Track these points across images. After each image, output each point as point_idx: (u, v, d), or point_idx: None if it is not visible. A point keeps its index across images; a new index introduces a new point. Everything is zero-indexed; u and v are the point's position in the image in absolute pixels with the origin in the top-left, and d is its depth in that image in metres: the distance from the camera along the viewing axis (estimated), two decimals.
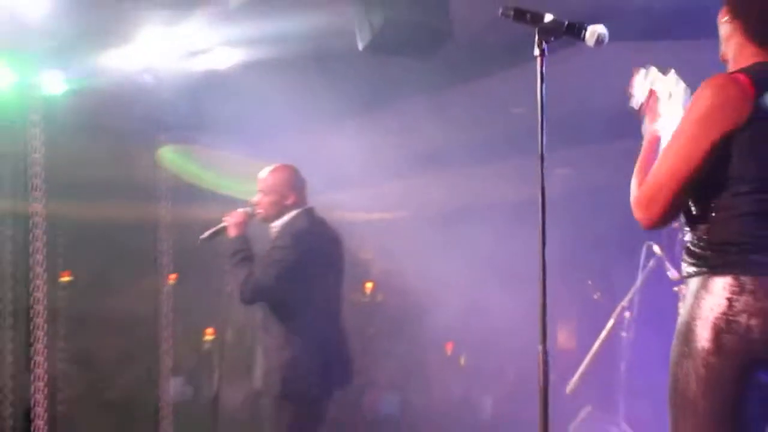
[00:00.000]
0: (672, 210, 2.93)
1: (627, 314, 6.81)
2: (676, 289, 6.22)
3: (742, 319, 2.81)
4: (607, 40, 3.11)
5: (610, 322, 6.85)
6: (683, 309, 2.97)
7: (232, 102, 7.64)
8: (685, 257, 3.01)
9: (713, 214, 2.91)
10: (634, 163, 3.17)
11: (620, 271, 7.90)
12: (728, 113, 2.86)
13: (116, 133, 8.17)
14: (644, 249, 6.66)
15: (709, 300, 2.86)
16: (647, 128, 3.19)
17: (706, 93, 2.90)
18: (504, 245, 8.97)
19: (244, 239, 5.42)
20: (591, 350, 6.78)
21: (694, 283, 2.95)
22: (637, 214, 2.97)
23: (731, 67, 3.06)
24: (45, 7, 6.31)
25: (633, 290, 6.80)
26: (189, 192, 9.04)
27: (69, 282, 9.59)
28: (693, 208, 2.96)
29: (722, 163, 2.86)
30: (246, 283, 5.25)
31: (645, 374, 6.91)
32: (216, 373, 5.64)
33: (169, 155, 8.86)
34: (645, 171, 3.03)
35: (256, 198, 5.54)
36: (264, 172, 5.55)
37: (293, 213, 5.45)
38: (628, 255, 7.16)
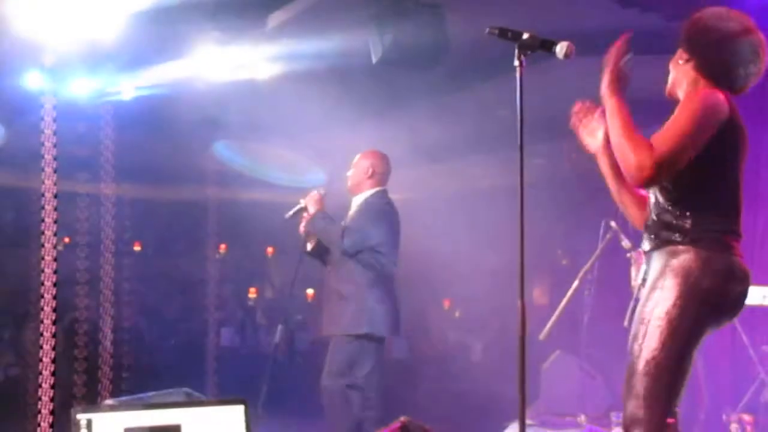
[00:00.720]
0: (671, 174, 2.87)
1: (589, 276, 6.84)
2: (628, 255, 6.26)
3: (702, 284, 2.86)
4: (574, 54, 3.12)
5: (576, 283, 6.87)
6: (651, 274, 2.99)
7: (270, 106, 7.67)
8: (660, 231, 2.99)
9: (696, 197, 2.92)
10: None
11: (583, 241, 7.92)
12: (720, 111, 2.89)
13: (175, 130, 8.20)
14: (603, 224, 6.68)
15: (676, 267, 2.89)
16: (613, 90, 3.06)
17: (705, 92, 2.93)
18: (492, 222, 9.00)
19: (324, 212, 5.44)
20: (560, 305, 6.81)
21: (662, 253, 2.96)
22: (642, 172, 2.82)
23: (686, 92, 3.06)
24: (118, 28, 6.33)
25: (594, 257, 6.83)
26: (235, 178, 9.09)
27: (138, 251, 9.69)
28: (681, 189, 2.94)
29: (709, 152, 2.88)
30: (348, 234, 5.25)
31: (603, 325, 6.96)
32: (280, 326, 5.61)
33: (219, 149, 8.91)
34: (636, 134, 2.92)
35: (348, 173, 5.59)
36: (357, 155, 5.62)
37: (369, 191, 5.48)
38: (589, 229, 7.18)
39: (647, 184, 2.91)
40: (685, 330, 2.87)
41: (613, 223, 6.53)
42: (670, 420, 2.92)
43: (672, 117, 2.92)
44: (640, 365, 2.89)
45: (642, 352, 2.89)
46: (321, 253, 5.50)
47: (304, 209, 5.47)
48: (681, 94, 3.09)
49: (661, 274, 2.91)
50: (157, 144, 8.38)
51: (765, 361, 6.52)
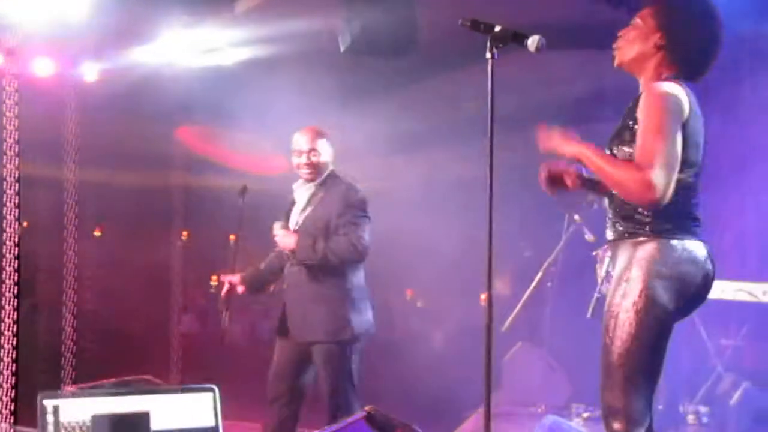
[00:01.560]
0: (673, 181, 2.86)
1: (552, 269, 6.90)
2: (594, 254, 6.31)
3: (670, 272, 2.90)
4: (545, 47, 3.14)
5: (539, 275, 6.93)
6: (620, 264, 3.01)
7: (237, 92, 7.62)
8: (623, 222, 3.02)
9: None
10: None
11: (546, 233, 7.97)
12: (683, 104, 2.92)
13: (141, 115, 8.12)
14: (567, 217, 6.74)
15: (644, 257, 2.92)
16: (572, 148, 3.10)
17: (665, 90, 2.93)
18: (455, 212, 9.02)
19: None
20: (523, 297, 6.86)
21: (628, 244, 2.99)
22: (648, 194, 2.81)
23: (648, 77, 3.08)
24: (83, 9, 6.27)
25: (557, 249, 6.88)
26: (201, 164, 9.03)
27: (100, 236, 9.60)
28: None
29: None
30: (358, 244, 4.76)
31: (565, 317, 7.01)
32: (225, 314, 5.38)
33: (184, 134, 8.85)
34: (617, 160, 2.96)
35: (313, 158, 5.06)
36: (309, 134, 5.14)
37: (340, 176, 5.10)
38: (553, 221, 7.23)
39: (658, 202, 2.85)
40: (653, 319, 2.89)
41: (576, 216, 6.60)
42: None
43: (643, 125, 2.92)
44: (614, 357, 2.91)
45: (614, 343, 2.91)
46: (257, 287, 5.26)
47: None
48: (643, 75, 3.12)
49: (627, 266, 2.95)
50: (121, 128, 8.29)
51: (722, 354, 6.62)
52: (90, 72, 7.45)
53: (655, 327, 2.91)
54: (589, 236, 6.44)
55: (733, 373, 6.34)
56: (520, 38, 3.15)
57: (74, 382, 6.75)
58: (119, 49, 7.19)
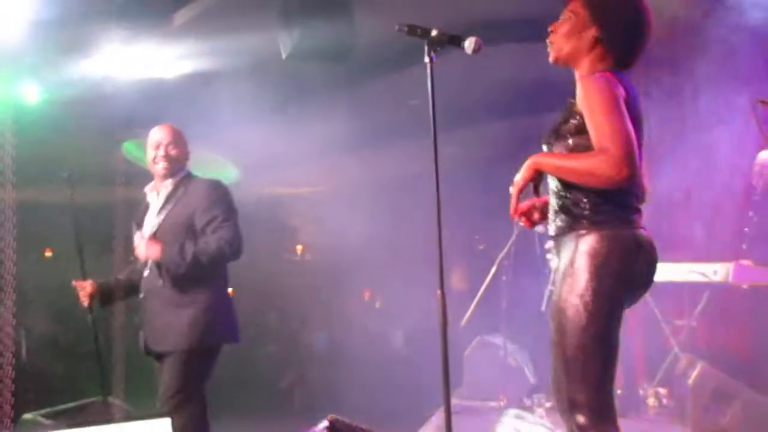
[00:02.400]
0: (638, 157, 2.83)
1: (506, 262, 6.94)
2: (547, 246, 6.37)
3: (614, 262, 2.89)
4: (482, 48, 3.14)
5: (493, 269, 6.97)
6: (564, 257, 3.01)
7: (180, 105, 7.56)
8: (564, 216, 3.01)
9: None
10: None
11: (499, 227, 8.01)
12: (619, 89, 2.90)
13: (83, 132, 8.01)
14: None
15: (587, 248, 2.91)
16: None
17: (601, 79, 2.92)
18: (408, 210, 9.05)
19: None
20: (479, 291, 6.90)
21: (572, 236, 2.98)
22: (620, 171, 2.77)
23: (585, 70, 3.07)
24: (19, 29, 6.17)
25: (510, 243, 6.92)
26: (145, 178, 8.93)
27: (50, 257, 9.45)
28: None
29: None
30: (232, 241, 4.41)
31: (522, 310, 7.07)
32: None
33: (130, 148, 8.75)
34: (575, 154, 2.95)
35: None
36: (167, 132, 4.87)
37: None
38: (505, 214, 7.26)
39: (631, 176, 2.80)
40: (602, 310, 2.89)
41: None
42: None
43: (591, 113, 2.89)
44: (568, 351, 2.91)
45: (566, 338, 2.91)
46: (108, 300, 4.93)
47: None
48: (579, 67, 3.10)
49: (571, 260, 2.94)
50: (63, 147, 8.17)
51: (678, 335, 6.72)
52: (29, 93, 7.34)
53: (605, 317, 2.90)
54: (540, 228, 6.48)
55: (690, 353, 6.43)
56: (456, 41, 3.17)
57: (28, 409, 6.62)
58: (58, 67, 7.09)
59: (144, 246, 4.44)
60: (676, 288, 6.46)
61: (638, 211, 3.02)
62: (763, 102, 3.34)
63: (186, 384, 4.35)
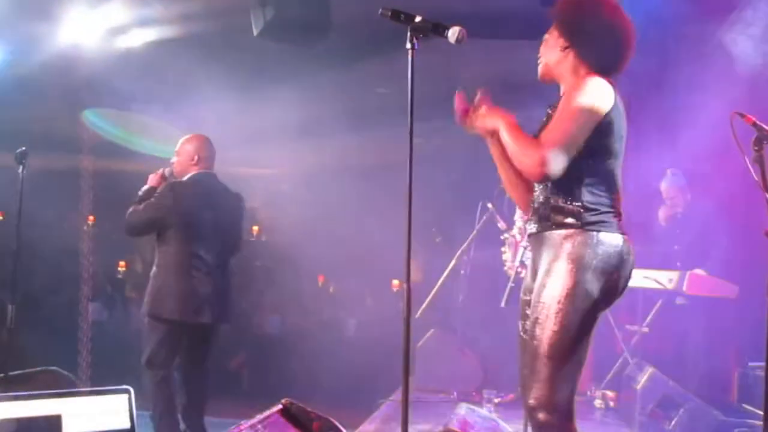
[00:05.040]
0: (565, 164, 2.90)
1: (465, 257, 6.95)
2: (502, 237, 6.39)
3: (595, 264, 2.91)
4: (465, 38, 3.13)
5: (452, 263, 6.97)
6: (545, 257, 3.02)
7: (144, 74, 7.47)
8: (548, 216, 3.04)
9: (586, 180, 2.97)
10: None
11: (458, 221, 8.03)
12: (606, 100, 2.95)
13: (45, 97, 7.88)
14: (480, 204, 6.78)
15: (569, 249, 2.93)
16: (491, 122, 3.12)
17: (595, 82, 2.96)
18: (367, 198, 9.03)
19: (152, 189, 5.25)
20: (436, 285, 6.90)
21: (554, 236, 3.00)
22: (538, 168, 2.89)
23: (569, 82, 3.10)
24: None
25: (470, 238, 6.93)
26: (109, 148, 8.82)
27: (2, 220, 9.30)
28: (569, 173, 2.95)
29: (597, 138, 2.94)
30: (128, 215, 5.18)
31: (478, 305, 7.08)
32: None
33: (90, 117, 8.62)
34: (524, 133, 3.00)
35: (173, 159, 5.37)
36: (180, 140, 5.37)
37: (192, 174, 5.26)
38: (465, 209, 7.28)
39: (546, 177, 2.93)
40: (582, 312, 2.91)
41: (489, 205, 6.65)
42: None
43: (560, 109, 2.97)
44: (543, 349, 2.91)
45: (543, 336, 2.91)
46: None
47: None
48: (562, 80, 3.13)
49: (556, 257, 2.96)
50: (25, 111, 8.03)
51: (628, 340, 6.78)
52: None
53: (584, 319, 2.92)
54: (501, 224, 6.50)
55: (639, 358, 6.49)
56: (440, 29, 3.14)
57: None
58: (23, 31, 6.95)
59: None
60: (629, 293, 6.48)
61: (621, 216, 3.05)
62: (740, 115, 3.35)
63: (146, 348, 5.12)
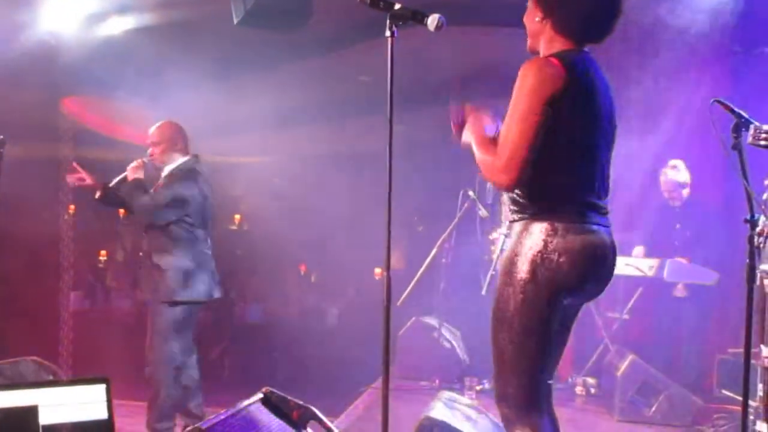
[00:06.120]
0: (527, 169, 2.82)
1: (446, 245, 6.94)
2: (482, 226, 6.40)
3: (554, 256, 2.84)
4: (445, 25, 3.11)
5: (434, 251, 6.96)
6: (508, 246, 2.98)
7: (124, 62, 7.40)
8: (511, 206, 2.99)
9: (536, 171, 2.85)
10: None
11: (439, 209, 8.02)
12: (548, 87, 2.82)
13: (24, 85, 7.79)
14: (461, 192, 6.78)
15: (529, 240, 2.87)
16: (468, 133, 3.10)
17: (529, 72, 2.85)
18: (349, 186, 9.02)
19: (141, 180, 5.28)
20: (418, 273, 6.89)
21: (517, 226, 2.95)
22: (499, 177, 2.85)
23: (544, 52, 3.01)
24: None
25: (451, 226, 6.93)
26: (87, 136, 8.76)
27: None
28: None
29: (549, 129, 2.83)
30: (144, 206, 5.16)
31: (459, 293, 7.09)
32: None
33: (71, 105, 8.56)
34: (489, 144, 2.94)
35: (149, 149, 5.39)
36: (153, 128, 5.40)
37: (182, 158, 5.34)
38: (447, 196, 7.28)
39: (509, 186, 2.89)
40: (544, 303, 2.85)
41: (471, 192, 6.65)
42: None
43: (508, 112, 2.87)
44: (499, 342, 2.89)
45: (505, 327, 2.88)
46: (111, 202, 5.45)
47: (126, 178, 5.34)
48: (541, 49, 3.04)
49: (517, 249, 2.91)
50: (4, 99, 7.95)
51: (609, 327, 6.81)
52: None
53: (546, 312, 2.86)
54: (483, 212, 6.51)
55: (620, 345, 6.53)
56: (419, 17, 3.12)
57: None
58: (1, 19, 6.88)
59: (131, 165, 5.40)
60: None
61: (596, 206, 2.95)
62: (719, 102, 3.35)
63: (164, 335, 5.17)
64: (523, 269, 2.86)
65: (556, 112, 2.82)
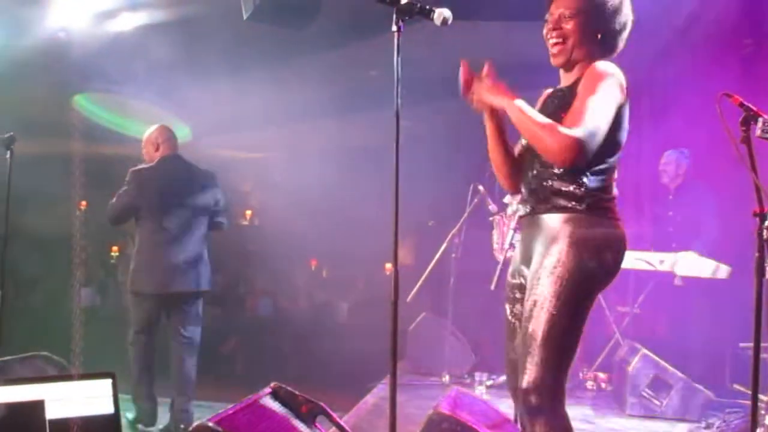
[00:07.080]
0: (595, 152, 2.85)
1: (456, 240, 6.93)
2: (490, 219, 6.38)
3: (602, 248, 2.90)
4: (451, 20, 3.10)
5: (443, 246, 6.94)
6: (548, 234, 2.97)
7: (135, 58, 7.42)
8: (553, 197, 2.99)
9: (593, 167, 2.93)
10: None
11: (449, 204, 8.00)
12: (623, 81, 2.94)
13: (35, 81, 7.83)
14: (471, 187, 6.76)
15: (577, 232, 2.91)
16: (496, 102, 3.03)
17: (616, 69, 2.94)
18: (359, 181, 9.01)
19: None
20: (428, 268, 6.87)
21: (557, 217, 2.97)
22: (567, 153, 2.81)
23: (584, 66, 3.04)
24: None
25: (461, 220, 6.91)
26: (98, 132, 8.80)
27: None
28: None
29: (609, 131, 2.90)
30: (107, 209, 5.70)
31: (469, 288, 7.07)
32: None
33: (81, 101, 8.59)
34: (544, 119, 2.91)
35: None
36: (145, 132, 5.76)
37: (157, 159, 5.65)
38: (455, 191, 7.26)
39: (572, 163, 2.86)
40: (581, 295, 2.89)
41: (480, 187, 6.63)
42: None
43: (582, 94, 2.91)
44: (540, 332, 2.88)
45: (541, 319, 2.88)
46: None
47: None
48: (577, 65, 3.07)
49: (554, 240, 2.93)
50: (16, 95, 7.99)
51: (620, 322, 6.79)
52: None
53: (582, 304, 2.91)
54: (492, 207, 6.49)
55: (631, 340, 6.50)
56: (425, 12, 3.11)
57: None
58: (12, 14, 6.91)
59: None
60: (621, 275, 6.49)
61: (616, 200, 3.03)
62: (727, 96, 3.33)
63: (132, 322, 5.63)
64: (566, 263, 2.89)
65: (620, 117, 2.94)
